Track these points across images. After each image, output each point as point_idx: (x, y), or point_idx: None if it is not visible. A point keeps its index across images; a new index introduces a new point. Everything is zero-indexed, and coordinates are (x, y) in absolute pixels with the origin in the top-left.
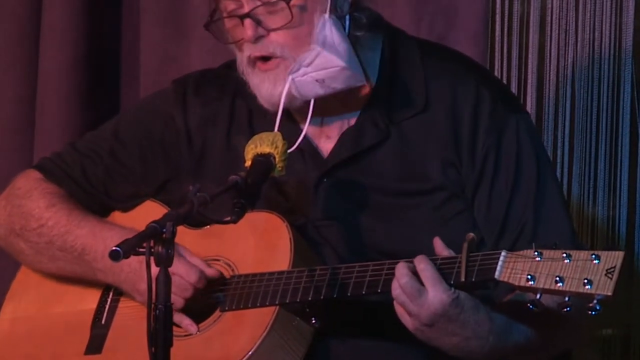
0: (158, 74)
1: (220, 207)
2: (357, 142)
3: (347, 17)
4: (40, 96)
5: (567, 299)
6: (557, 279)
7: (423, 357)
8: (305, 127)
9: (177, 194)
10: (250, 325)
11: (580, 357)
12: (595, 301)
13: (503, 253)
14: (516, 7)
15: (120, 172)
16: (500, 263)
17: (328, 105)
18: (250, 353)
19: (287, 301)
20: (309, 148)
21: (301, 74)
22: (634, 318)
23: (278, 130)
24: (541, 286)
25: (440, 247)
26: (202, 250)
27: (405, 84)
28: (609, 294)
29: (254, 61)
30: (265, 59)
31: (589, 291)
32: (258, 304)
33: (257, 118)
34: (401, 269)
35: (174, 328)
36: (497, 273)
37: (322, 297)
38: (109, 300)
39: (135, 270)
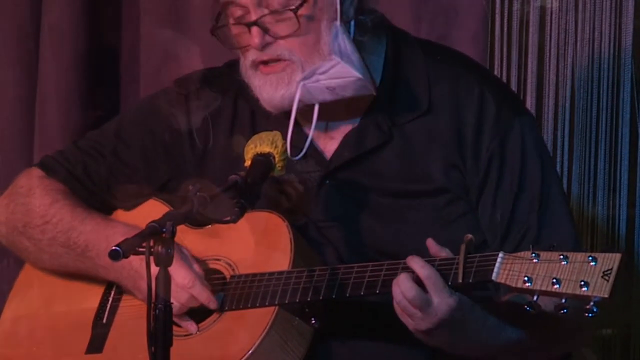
0: (158, 74)
1: (223, 206)
2: (360, 144)
3: (352, 22)
4: (40, 96)
5: (564, 300)
6: (554, 280)
7: (423, 357)
8: (311, 132)
9: (180, 193)
10: (250, 325)
11: (580, 357)
12: (592, 303)
13: (500, 254)
14: (516, 7)
15: (123, 171)
16: (497, 264)
17: (332, 108)
18: (249, 353)
19: (287, 301)
20: (311, 149)
21: (313, 81)
22: (634, 318)
23: (290, 135)
24: (538, 288)
25: (436, 248)
26: (202, 250)
27: (409, 86)
28: (605, 296)
29: (257, 64)
30: (270, 61)
31: (585, 293)
32: (258, 304)
33: (260, 119)
34: (405, 282)
35: (174, 327)
36: (494, 274)
37: (321, 298)
38: (111, 299)
39: (136, 268)
